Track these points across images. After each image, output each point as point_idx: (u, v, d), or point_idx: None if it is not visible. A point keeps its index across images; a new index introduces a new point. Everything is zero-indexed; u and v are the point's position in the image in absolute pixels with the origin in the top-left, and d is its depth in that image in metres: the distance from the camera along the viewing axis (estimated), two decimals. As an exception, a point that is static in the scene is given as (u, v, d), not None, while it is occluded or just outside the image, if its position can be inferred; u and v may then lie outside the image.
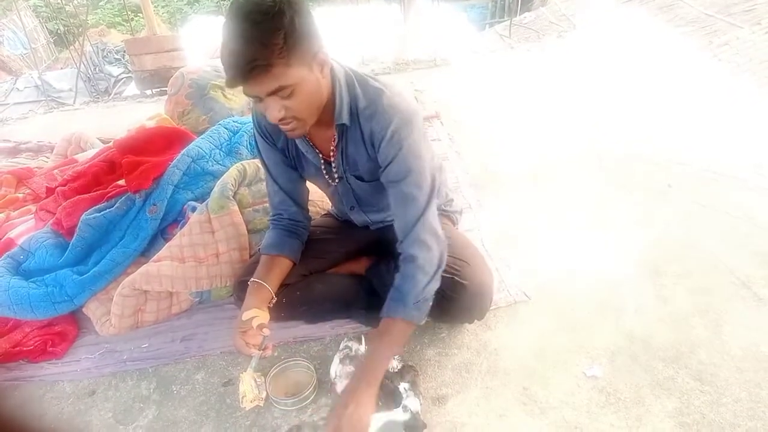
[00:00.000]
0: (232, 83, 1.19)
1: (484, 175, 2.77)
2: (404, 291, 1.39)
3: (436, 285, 1.42)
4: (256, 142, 1.61)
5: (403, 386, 1.43)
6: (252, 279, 1.56)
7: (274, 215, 1.69)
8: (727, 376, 1.49)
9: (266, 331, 1.48)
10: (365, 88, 1.38)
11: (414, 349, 1.67)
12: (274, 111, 1.24)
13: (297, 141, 1.50)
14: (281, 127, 1.30)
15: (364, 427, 1.27)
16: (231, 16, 1.14)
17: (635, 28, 5.47)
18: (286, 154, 1.58)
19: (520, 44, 5.75)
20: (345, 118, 1.37)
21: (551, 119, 3.47)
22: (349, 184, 1.58)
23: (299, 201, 1.67)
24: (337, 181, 1.58)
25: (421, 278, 1.38)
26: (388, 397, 1.40)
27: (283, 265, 1.63)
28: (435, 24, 6.73)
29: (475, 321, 1.74)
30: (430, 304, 1.42)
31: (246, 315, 1.48)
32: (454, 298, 1.51)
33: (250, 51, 1.13)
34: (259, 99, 1.24)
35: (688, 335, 1.64)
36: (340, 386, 1.52)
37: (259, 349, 1.48)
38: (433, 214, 1.42)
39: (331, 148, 1.48)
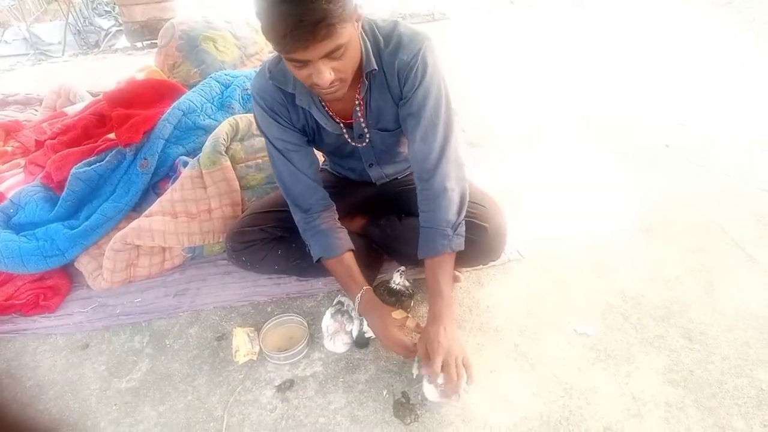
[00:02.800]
0: (289, 47, 1.08)
1: (481, 133, 2.74)
2: (442, 224, 1.43)
3: (464, 211, 1.47)
4: (264, 131, 1.49)
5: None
6: (365, 289, 1.49)
7: (306, 213, 1.54)
8: (716, 334, 1.50)
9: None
10: (380, 27, 1.35)
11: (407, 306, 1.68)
12: (326, 74, 1.14)
13: (314, 113, 1.43)
14: (323, 91, 1.22)
15: (461, 345, 1.36)
16: None
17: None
18: (306, 131, 1.51)
19: (520, 0, 5.61)
20: (374, 64, 1.33)
21: (550, 78, 3.42)
22: (371, 140, 1.54)
23: (319, 182, 1.57)
24: (359, 141, 1.54)
25: (456, 207, 1.44)
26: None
27: (353, 257, 1.56)
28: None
29: (460, 282, 1.77)
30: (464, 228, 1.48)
31: (397, 313, 1.44)
32: (475, 241, 1.52)
33: (317, 10, 1.02)
34: (302, 64, 1.14)
35: (679, 294, 1.65)
36: (328, 341, 1.54)
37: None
38: (456, 142, 1.45)
39: (357, 103, 1.43)
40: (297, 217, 1.56)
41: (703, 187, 2.14)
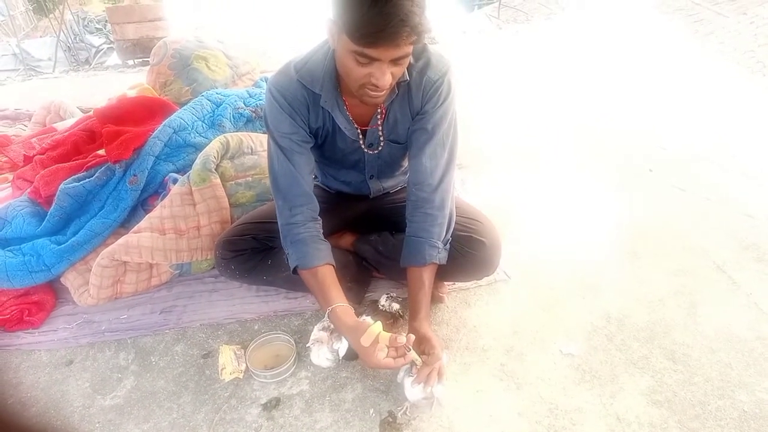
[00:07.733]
0: (377, 42, 1.14)
1: (468, 154, 2.77)
2: (434, 237, 1.51)
3: (452, 229, 1.56)
4: (272, 128, 1.47)
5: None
6: (332, 307, 1.42)
7: (293, 219, 1.51)
8: (700, 356, 1.52)
9: (411, 338, 1.34)
10: None
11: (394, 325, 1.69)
12: (389, 76, 1.23)
13: (336, 116, 1.46)
14: (373, 93, 1.27)
15: None
16: None
17: (622, 13, 5.47)
18: (319, 133, 1.54)
19: (509, 25, 5.73)
20: (407, 75, 1.39)
21: (536, 100, 3.48)
22: (381, 151, 1.59)
23: (313, 193, 1.55)
24: (371, 148, 1.58)
25: (446, 224, 1.53)
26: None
27: (332, 273, 1.52)
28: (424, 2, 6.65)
29: (446, 303, 1.79)
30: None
31: (375, 328, 1.34)
32: (474, 255, 1.59)
33: (417, 16, 1.11)
34: (369, 62, 1.19)
35: (663, 316, 1.67)
36: (314, 351, 1.53)
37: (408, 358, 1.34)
38: (455, 166, 1.55)
39: (379, 111, 1.48)
40: (282, 220, 1.53)
41: (687, 211, 2.18)
